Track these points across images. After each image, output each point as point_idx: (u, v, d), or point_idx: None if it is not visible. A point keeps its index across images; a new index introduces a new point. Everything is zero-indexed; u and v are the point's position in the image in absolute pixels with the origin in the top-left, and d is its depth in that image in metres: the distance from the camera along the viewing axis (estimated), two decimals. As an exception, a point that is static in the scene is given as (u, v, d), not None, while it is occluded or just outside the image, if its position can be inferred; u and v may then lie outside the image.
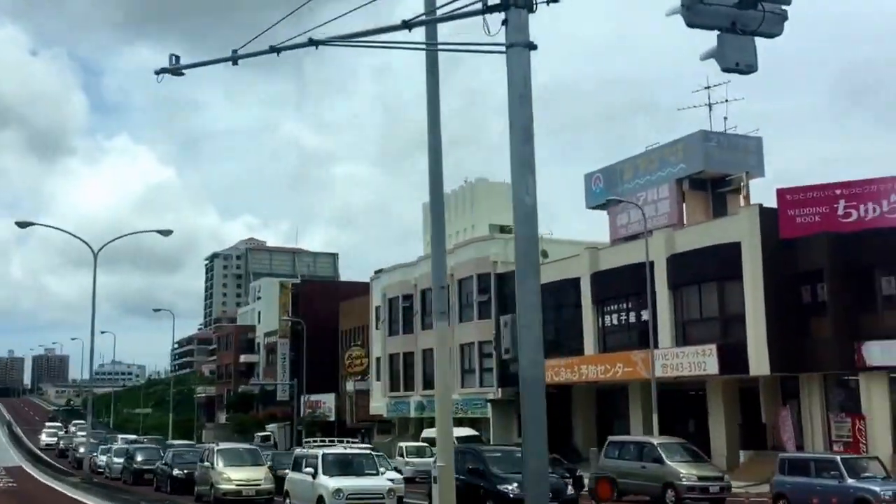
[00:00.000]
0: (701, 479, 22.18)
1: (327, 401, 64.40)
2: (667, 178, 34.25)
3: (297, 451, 23.40)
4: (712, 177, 33.93)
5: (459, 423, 46.77)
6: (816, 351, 27.65)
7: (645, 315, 33.04)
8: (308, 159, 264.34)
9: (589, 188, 38.82)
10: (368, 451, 23.57)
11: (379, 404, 55.96)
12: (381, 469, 22.34)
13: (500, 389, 42.66)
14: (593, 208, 39.10)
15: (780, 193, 28.83)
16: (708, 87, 34.77)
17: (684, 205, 34.19)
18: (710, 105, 34.82)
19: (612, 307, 34.74)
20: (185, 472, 27.70)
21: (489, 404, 43.16)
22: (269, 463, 26.34)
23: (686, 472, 22.46)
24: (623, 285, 33.98)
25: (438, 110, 11.12)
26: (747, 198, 31.24)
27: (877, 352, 26.26)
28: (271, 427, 69.13)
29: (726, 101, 34.35)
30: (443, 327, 11.51)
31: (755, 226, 28.65)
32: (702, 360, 29.19)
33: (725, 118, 34.48)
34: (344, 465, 20.30)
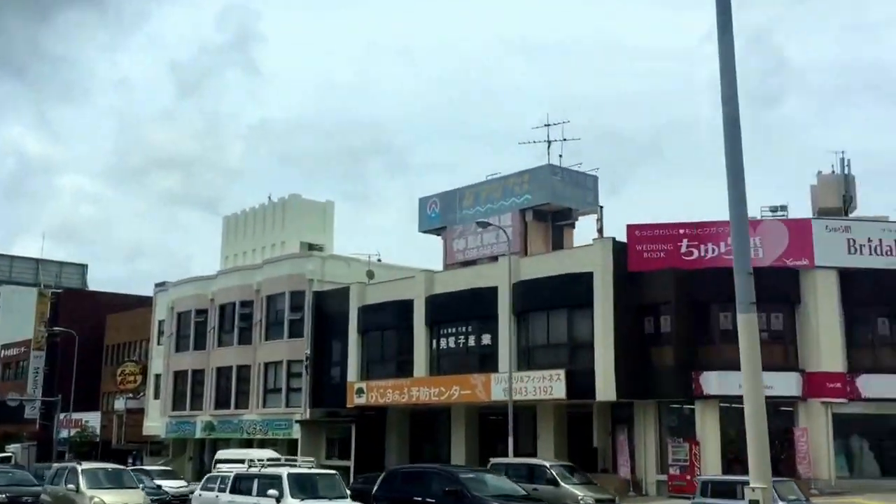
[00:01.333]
0: (598, 501, 22.87)
1: (91, 419, 59.45)
2: (510, 207, 35.39)
3: (238, 470, 21.27)
4: (554, 209, 35.51)
5: (248, 444, 45.17)
6: (657, 379, 29.51)
7: (486, 339, 33.75)
8: (28, 167, 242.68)
9: (423, 212, 39.17)
10: (333, 472, 21.89)
11: (156, 424, 52.50)
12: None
13: (309, 410, 41.52)
14: (426, 232, 39.47)
15: (630, 229, 30.66)
16: (548, 125, 36.48)
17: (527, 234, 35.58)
18: (549, 142, 36.49)
19: (449, 330, 35.05)
20: (8, 496, 24.49)
21: (297, 425, 41.82)
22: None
23: (582, 493, 23.00)
24: (462, 309, 34.46)
25: (735, 78, 10.49)
26: (601, 231, 32.99)
27: (713, 381, 28.50)
28: (13, 447, 62.61)
29: (564, 139, 36.21)
30: (750, 319, 10.74)
31: (608, 257, 30.22)
32: (548, 385, 30.13)
33: (560, 156, 36.33)
34: (312, 488, 18.72)
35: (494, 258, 35.80)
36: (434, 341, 35.82)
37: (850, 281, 28.88)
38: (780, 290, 29.10)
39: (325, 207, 49.64)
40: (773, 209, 33.69)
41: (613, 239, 30.68)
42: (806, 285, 29.15)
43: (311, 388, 41.24)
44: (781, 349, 29.09)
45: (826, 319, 28.72)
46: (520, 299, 32.39)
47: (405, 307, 36.97)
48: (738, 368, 28.26)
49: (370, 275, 40.75)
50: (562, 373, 29.92)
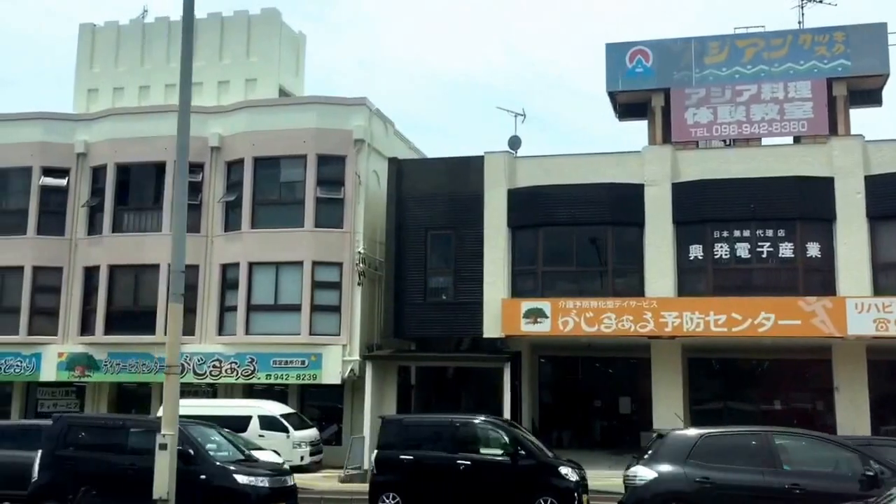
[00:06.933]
0: None
1: None
2: (807, 73, 25.46)
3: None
4: (869, 87, 26.33)
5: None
6: None
7: (812, 249, 23.72)
8: None
9: (618, 63, 26.84)
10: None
11: None
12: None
13: (354, 339, 26.54)
14: (620, 93, 27.18)
15: None
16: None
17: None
18: (804, -6, 27.24)
19: (725, 234, 24.09)
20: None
21: (347, 364, 26.29)
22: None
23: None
24: (760, 206, 23.92)
25: None
26: None
27: None
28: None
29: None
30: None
31: None
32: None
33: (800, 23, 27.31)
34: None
35: (795, 139, 25.78)
36: (691, 247, 24.47)
37: None
38: None
39: (298, 41, 32.72)
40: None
41: None
42: None
43: (392, 308, 26.19)
44: None
45: None
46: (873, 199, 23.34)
47: (617, 195, 24.89)
48: None
49: (514, 143, 27.14)
50: None
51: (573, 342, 26.16)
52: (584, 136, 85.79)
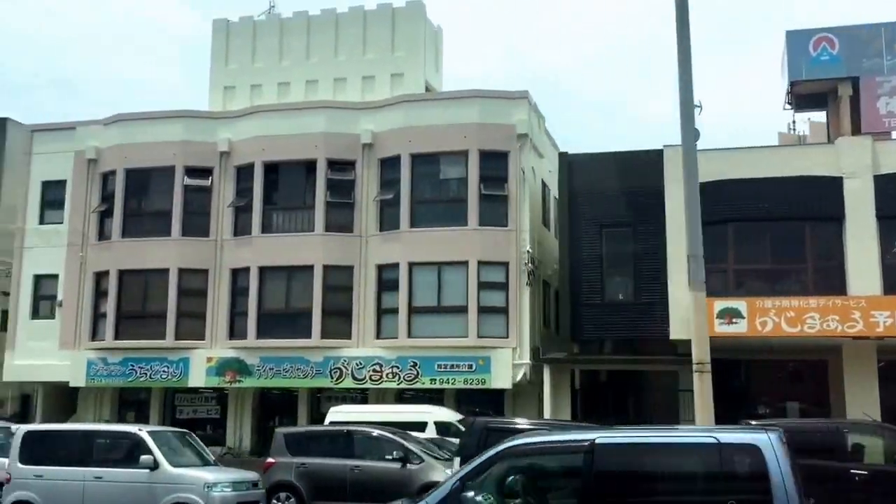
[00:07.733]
0: None
1: None
2: None
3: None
4: None
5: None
6: None
7: None
8: None
9: (801, 51, 25.59)
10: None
11: (45, 363, 29.31)
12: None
13: (530, 342, 25.37)
14: (802, 82, 25.88)
15: None
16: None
17: None
18: None
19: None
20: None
21: (512, 369, 25.15)
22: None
23: None
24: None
25: None
26: None
27: None
28: None
29: None
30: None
31: None
32: None
33: None
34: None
35: None
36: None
37: None
38: None
39: (437, 34, 31.73)
40: None
41: None
42: None
43: (568, 309, 25.05)
44: None
45: None
46: None
47: (812, 188, 23.56)
48: None
49: (696, 135, 25.85)
50: None
51: (743, 344, 24.79)
52: (583, 137, 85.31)
